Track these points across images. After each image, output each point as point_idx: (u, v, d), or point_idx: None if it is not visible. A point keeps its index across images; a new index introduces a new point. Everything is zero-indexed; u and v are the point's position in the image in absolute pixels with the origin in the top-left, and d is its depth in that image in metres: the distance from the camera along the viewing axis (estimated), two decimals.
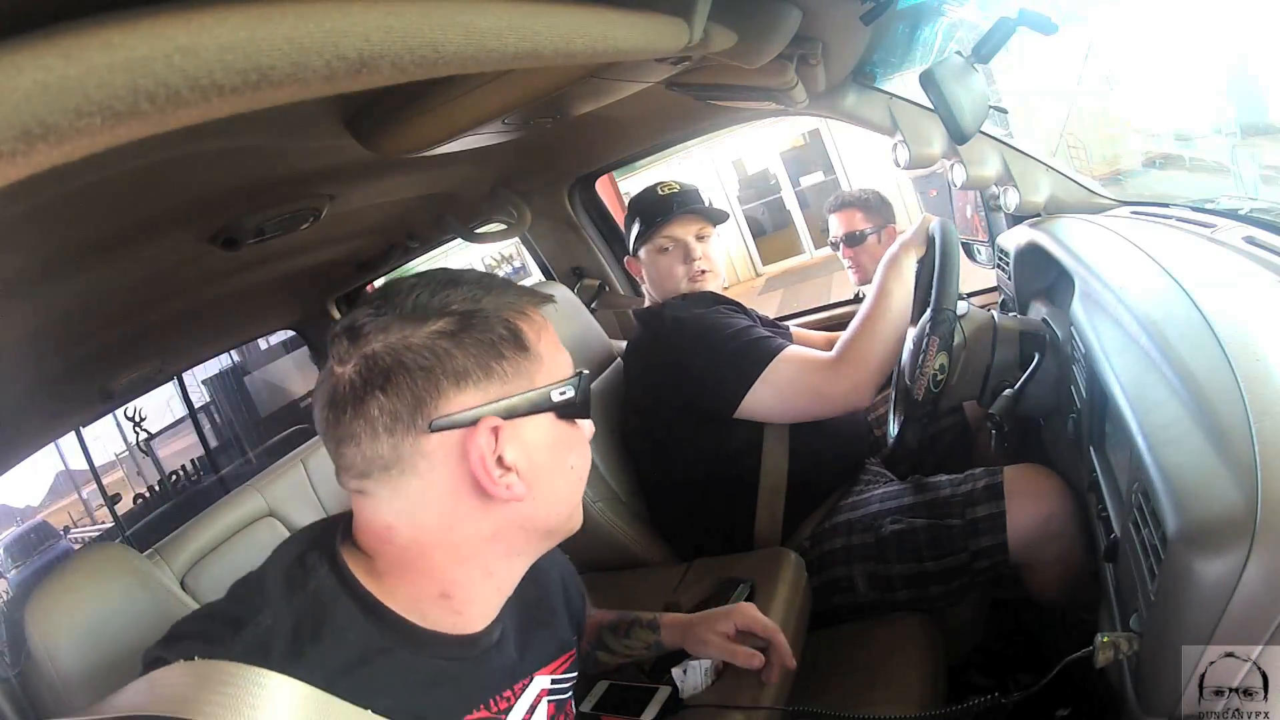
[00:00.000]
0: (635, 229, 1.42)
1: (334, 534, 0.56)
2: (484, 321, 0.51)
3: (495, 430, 0.50)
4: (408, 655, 0.52)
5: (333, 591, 0.52)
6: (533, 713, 0.62)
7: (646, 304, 1.43)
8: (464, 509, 0.52)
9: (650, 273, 1.41)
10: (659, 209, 1.39)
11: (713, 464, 1.26)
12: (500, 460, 0.51)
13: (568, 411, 0.55)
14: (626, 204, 1.47)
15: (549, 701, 0.65)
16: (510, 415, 0.51)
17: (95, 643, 0.87)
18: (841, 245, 1.77)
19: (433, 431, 0.50)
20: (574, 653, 0.71)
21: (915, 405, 1.04)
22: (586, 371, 0.58)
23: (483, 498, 0.52)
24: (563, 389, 0.54)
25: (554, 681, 0.66)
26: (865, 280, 1.74)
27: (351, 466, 0.51)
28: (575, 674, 0.71)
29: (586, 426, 0.59)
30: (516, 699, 0.61)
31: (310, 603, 0.51)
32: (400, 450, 0.50)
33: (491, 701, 0.58)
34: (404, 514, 0.52)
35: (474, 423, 0.50)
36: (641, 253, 1.41)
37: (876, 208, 1.76)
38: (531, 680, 0.63)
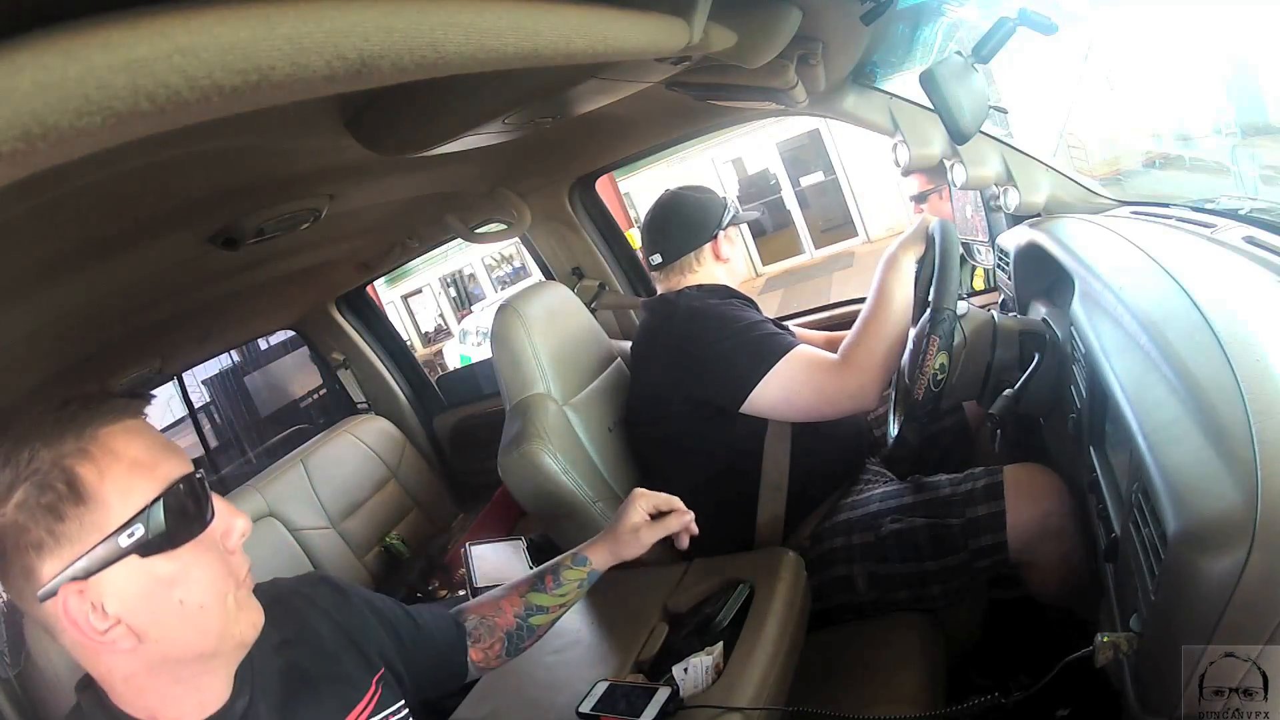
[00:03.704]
0: (731, 209, 1.41)
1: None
2: (44, 481, 0.50)
3: (80, 592, 0.51)
4: None
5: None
6: None
7: (689, 285, 1.37)
8: (105, 659, 0.54)
9: (731, 252, 1.42)
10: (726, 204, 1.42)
11: (715, 459, 1.26)
12: (105, 612, 0.52)
13: (151, 548, 0.52)
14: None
15: None
16: (89, 573, 0.51)
17: None
18: (914, 203, 2.10)
19: (42, 602, 0.51)
20: (380, 679, 0.72)
21: (915, 405, 1.04)
22: (183, 478, 0.55)
23: (111, 649, 0.53)
24: (132, 529, 0.52)
25: None
26: None
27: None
28: (400, 703, 0.73)
29: (209, 541, 0.56)
30: None
31: None
32: (42, 616, 0.52)
33: None
34: (81, 662, 0.55)
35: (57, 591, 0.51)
36: (732, 231, 1.42)
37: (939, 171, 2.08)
38: None
